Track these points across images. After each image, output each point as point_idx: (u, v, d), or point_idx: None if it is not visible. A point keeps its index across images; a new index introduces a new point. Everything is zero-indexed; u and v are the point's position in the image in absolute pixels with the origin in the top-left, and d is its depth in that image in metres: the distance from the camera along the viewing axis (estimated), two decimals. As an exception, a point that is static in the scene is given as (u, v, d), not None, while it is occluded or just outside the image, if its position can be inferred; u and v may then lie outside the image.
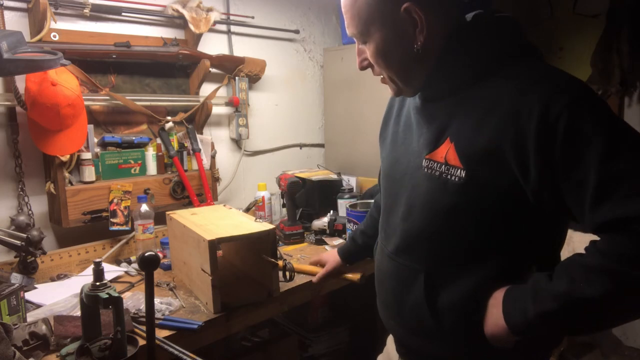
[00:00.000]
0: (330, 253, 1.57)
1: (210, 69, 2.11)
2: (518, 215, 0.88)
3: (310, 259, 1.70)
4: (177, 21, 2.09)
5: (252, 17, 2.36)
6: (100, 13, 1.88)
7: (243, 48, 2.36)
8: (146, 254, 1.00)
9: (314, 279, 1.54)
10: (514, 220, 0.88)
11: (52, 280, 1.68)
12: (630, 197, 0.73)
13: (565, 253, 0.93)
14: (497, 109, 0.84)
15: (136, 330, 1.26)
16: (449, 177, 0.89)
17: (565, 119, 0.76)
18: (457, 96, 0.91)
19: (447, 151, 0.90)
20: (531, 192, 0.83)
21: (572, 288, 0.78)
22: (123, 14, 1.93)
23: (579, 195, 0.77)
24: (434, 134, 0.94)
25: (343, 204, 2.16)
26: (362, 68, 1.00)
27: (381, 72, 0.98)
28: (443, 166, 0.90)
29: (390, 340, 1.23)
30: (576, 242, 1.72)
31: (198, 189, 2.07)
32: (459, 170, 0.88)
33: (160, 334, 1.25)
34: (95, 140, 1.87)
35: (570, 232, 1.58)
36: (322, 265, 1.58)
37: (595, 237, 0.81)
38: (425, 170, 0.94)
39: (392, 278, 1.05)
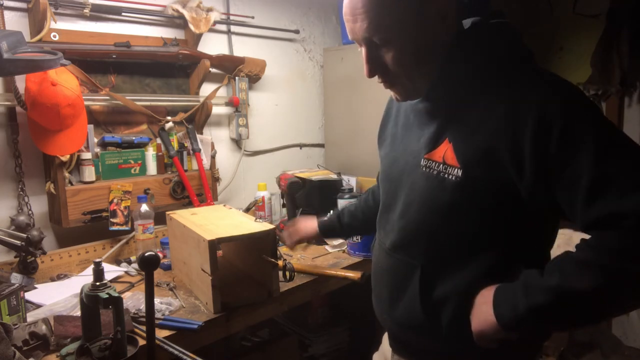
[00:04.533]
0: (309, 223, 1.54)
1: (210, 69, 2.11)
2: (511, 214, 0.91)
3: (288, 229, 1.62)
4: (177, 21, 2.09)
5: (252, 17, 2.36)
6: (100, 13, 1.88)
7: (243, 48, 2.36)
8: (146, 254, 1.00)
9: (287, 243, 1.58)
10: (507, 218, 0.91)
11: (52, 280, 1.68)
12: (622, 195, 0.76)
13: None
14: (494, 111, 0.87)
15: (136, 330, 1.27)
16: (446, 175, 0.92)
17: (561, 120, 0.80)
18: (457, 99, 0.93)
19: (445, 151, 0.93)
20: (525, 191, 0.86)
21: (563, 282, 0.81)
22: (123, 14, 1.93)
23: (571, 194, 0.80)
24: (434, 134, 0.96)
25: (343, 204, 2.15)
26: (371, 75, 0.97)
27: (394, 78, 0.96)
28: (441, 165, 0.93)
29: (385, 338, 1.25)
30: (576, 242, 1.72)
31: (198, 189, 2.07)
32: (455, 170, 0.91)
33: (160, 334, 1.25)
34: (95, 140, 1.87)
35: (570, 232, 1.57)
36: (297, 232, 1.58)
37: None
38: (424, 169, 0.96)
39: (389, 273, 1.07)
